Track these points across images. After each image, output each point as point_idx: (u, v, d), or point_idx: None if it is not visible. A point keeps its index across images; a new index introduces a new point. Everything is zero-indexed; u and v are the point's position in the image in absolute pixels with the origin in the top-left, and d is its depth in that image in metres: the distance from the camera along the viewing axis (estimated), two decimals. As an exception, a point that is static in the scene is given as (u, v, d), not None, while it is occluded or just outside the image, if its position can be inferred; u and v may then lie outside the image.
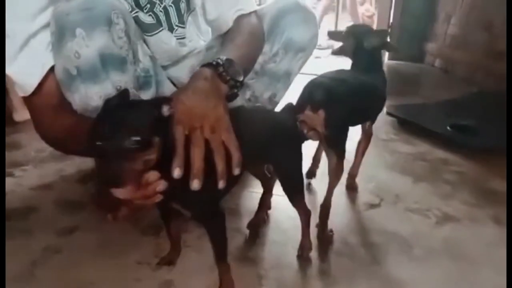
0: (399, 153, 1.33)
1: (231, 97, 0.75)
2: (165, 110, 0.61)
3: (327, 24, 4.24)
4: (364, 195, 1.10)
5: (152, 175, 0.60)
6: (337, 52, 1.08)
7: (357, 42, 1.02)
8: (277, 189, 1.02)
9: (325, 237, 0.91)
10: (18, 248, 0.89)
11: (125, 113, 0.59)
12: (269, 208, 1.02)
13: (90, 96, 0.79)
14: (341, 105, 0.86)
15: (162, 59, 1.00)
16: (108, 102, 0.63)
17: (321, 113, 0.83)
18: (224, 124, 0.68)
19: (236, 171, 0.67)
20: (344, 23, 4.31)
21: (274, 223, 1.00)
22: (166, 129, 0.62)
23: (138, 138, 0.56)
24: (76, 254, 0.89)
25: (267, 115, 0.87)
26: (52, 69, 0.79)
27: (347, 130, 0.90)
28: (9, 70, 0.78)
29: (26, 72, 0.78)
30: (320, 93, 0.85)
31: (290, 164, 0.81)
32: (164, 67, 1.03)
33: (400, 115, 1.51)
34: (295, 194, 0.83)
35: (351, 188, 1.12)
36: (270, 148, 0.78)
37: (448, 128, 1.38)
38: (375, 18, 3.19)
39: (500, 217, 1.00)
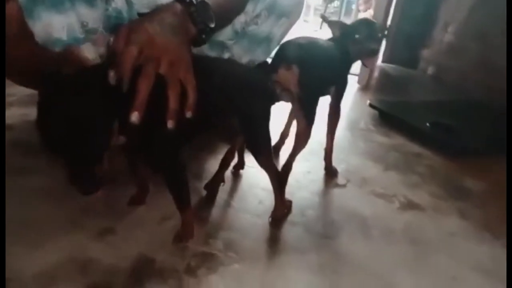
0: (374, 143, 1.30)
1: (198, 42, 0.71)
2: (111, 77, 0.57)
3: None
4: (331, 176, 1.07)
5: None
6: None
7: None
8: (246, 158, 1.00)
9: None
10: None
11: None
12: (242, 167, 1.01)
13: (53, 25, 0.75)
14: (314, 64, 0.85)
15: (140, 5, 0.96)
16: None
17: (295, 70, 0.81)
18: (185, 63, 0.63)
19: (189, 114, 0.63)
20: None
21: (235, 190, 0.96)
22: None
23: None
24: (22, 195, 0.86)
25: (235, 67, 0.83)
26: None
27: (319, 91, 0.90)
28: None
29: None
30: (294, 51, 0.84)
31: (256, 121, 0.78)
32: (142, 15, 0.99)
33: (382, 108, 1.48)
34: (261, 153, 0.80)
35: (329, 171, 1.08)
36: (236, 100, 0.75)
37: (428, 124, 1.35)
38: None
39: (465, 212, 0.97)
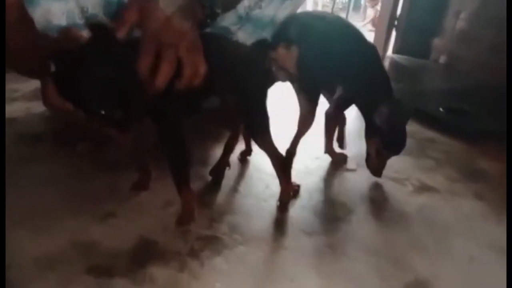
0: (386, 129, 1.26)
1: (202, 25, 0.70)
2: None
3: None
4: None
5: None
6: None
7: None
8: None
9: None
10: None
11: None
12: (249, 154, 0.99)
13: (52, 12, 0.74)
14: (316, 45, 0.78)
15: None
16: None
17: (294, 50, 0.76)
18: (200, 47, 0.65)
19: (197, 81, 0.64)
20: (354, 22, 4.30)
21: (242, 176, 0.94)
22: None
23: None
24: (26, 182, 0.85)
25: (232, 44, 0.80)
26: None
27: (321, 74, 0.81)
28: None
29: None
30: (295, 29, 0.78)
31: (252, 99, 0.75)
32: None
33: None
34: (259, 133, 0.77)
35: (336, 158, 1.03)
36: (232, 78, 0.72)
37: (441, 109, 1.31)
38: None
39: (483, 193, 0.93)
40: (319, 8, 4.68)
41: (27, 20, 0.75)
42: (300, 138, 0.86)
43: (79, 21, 0.77)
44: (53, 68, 0.60)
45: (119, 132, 0.70)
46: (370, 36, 2.57)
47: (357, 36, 0.86)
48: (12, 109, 1.18)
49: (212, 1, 0.69)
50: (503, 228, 0.81)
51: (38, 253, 0.65)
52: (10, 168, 0.88)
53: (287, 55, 0.77)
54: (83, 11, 0.77)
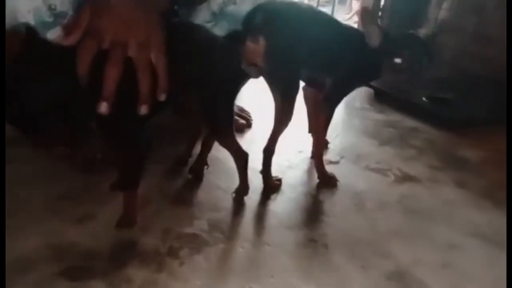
0: (369, 120, 1.26)
1: (170, 15, 0.67)
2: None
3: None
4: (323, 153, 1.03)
5: None
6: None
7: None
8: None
9: (269, 185, 0.84)
10: None
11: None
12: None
13: (18, 9, 0.72)
14: (286, 30, 0.72)
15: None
16: None
17: (262, 41, 0.70)
18: (157, 42, 0.59)
19: (162, 97, 0.60)
20: (340, 15, 4.28)
21: (223, 172, 0.92)
22: None
23: None
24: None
25: (205, 36, 0.74)
26: None
27: (295, 63, 0.76)
28: None
29: None
30: (260, 17, 0.71)
31: (223, 96, 0.72)
32: None
33: (377, 85, 1.43)
34: (224, 132, 0.75)
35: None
36: (204, 72, 0.69)
37: (424, 99, 1.31)
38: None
39: (464, 181, 0.93)
40: (305, 1, 4.66)
41: None
42: (277, 136, 0.81)
43: (48, 19, 0.76)
44: None
45: (69, 149, 0.65)
46: (355, 28, 2.59)
47: (335, 22, 0.81)
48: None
49: None
50: (485, 215, 0.81)
51: (12, 255, 0.64)
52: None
53: (255, 48, 0.71)
54: (51, 8, 0.75)
